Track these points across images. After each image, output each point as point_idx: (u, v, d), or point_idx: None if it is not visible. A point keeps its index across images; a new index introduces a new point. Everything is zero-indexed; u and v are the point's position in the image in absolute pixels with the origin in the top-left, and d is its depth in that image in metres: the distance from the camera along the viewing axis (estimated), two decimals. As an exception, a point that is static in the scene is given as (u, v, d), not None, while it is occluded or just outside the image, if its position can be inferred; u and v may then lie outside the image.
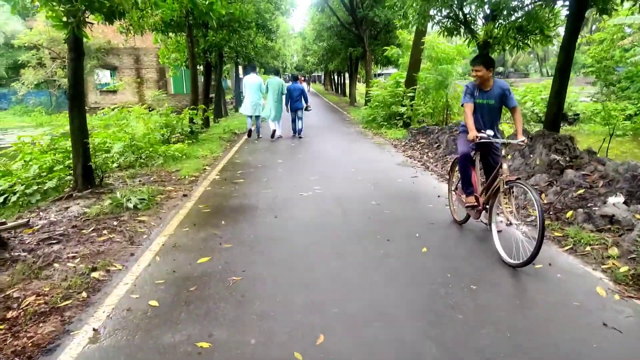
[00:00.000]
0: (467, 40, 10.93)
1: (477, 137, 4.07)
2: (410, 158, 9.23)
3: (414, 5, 10.53)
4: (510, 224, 3.86)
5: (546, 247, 3.99)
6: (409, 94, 14.16)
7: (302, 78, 58.05)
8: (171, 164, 8.71)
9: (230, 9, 13.63)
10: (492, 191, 4.15)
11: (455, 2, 9.61)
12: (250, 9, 16.22)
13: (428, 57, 13.87)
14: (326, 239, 4.54)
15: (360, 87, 35.32)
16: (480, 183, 4.46)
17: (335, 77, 49.49)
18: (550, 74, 62.81)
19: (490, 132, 4.09)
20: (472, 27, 10.58)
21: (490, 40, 9.50)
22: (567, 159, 6.09)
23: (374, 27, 24.06)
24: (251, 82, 12.27)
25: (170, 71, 21.13)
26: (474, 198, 4.35)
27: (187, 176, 7.63)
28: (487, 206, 4.31)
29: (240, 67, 34.17)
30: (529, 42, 10.17)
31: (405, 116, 13.67)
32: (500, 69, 61.45)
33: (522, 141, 4.00)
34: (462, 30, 10.74)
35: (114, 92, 29.01)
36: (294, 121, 12.87)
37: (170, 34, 15.03)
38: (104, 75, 28.72)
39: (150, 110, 12.29)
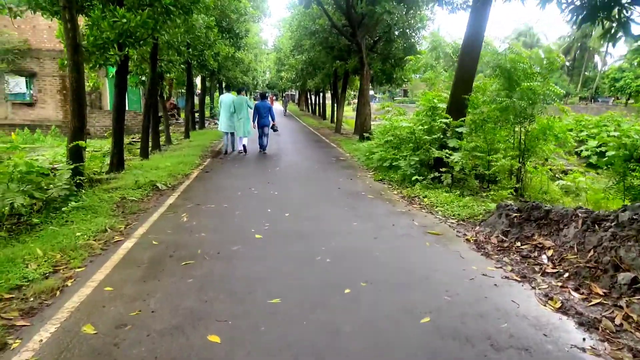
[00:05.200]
0: None
1: None
2: (580, 321, 3.35)
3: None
4: None
5: None
6: (457, 129, 8.45)
7: (273, 97, 52.46)
8: None
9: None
10: None
11: None
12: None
13: (495, 69, 8.21)
14: None
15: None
16: None
17: (312, 97, 43.91)
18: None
19: None
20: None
21: None
22: None
23: (371, 34, 18.56)
24: (226, 100, 12.84)
25: (90, 80, 14.85)
26: None
27: None
28: None
29: (198, 80, 28.18)
30: None
31: (457, 169, 7.88)
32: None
33: None
34: None
35: (31, 104, 22.35)
36: (260, 137, 13.32)
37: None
38: (16, 84, 21.98)
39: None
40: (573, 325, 3.30)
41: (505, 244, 5.04)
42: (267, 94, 14.51)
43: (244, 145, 13.04)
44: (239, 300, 3.61)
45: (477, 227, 5.74)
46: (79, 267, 4.31)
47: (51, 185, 6.13)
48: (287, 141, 17.04)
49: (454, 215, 6.36)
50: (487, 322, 3.30)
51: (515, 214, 5.33)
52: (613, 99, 61.45)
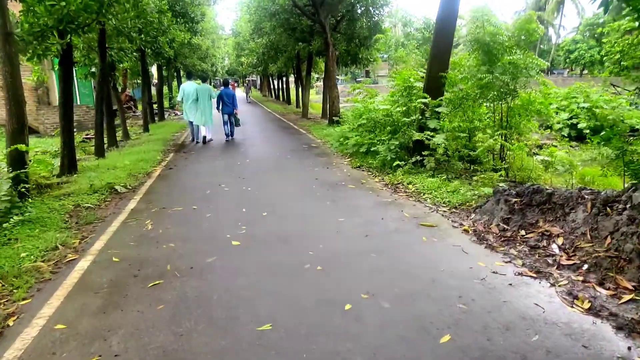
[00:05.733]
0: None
1: None
2: (617, 325, 2.94)
3: None
4: None
5: None
6: (436, 109, 7.99)
7: (234, 83, 51.08)
8: None
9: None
10: None
11: None
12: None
13: (474, 43, 7.77)
14: None
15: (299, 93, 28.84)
16: None
17: (275, 82, 42.82)
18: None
19: None
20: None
21: None
22: None
23: (333, 14, 17.84)
24: (188, 89, 12.44)
25: (33, 74, 13.55)
26: None
27: None
28: None
29: (154, 69, 26.84)
30: None
31: (440, 151, 7.43)
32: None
33: None
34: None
35: (-30, 104, 20.52)
36: (225, 124, 13.18)
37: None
38: (-49, 81, 20.10)
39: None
40: (611, 331, 2.88)
41: (508, 234, 4.63)
42: (229, 81, 14.01)
43: (204, 136, 12.74)
44: (221, 331, 3.02)
45: (473, 215, 5.32)
46: (23, 299, 3.59)
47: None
48: (254, 129, 16.28)
49: (444, 203, 5.92)
50: (515, 336, 2.84)
51: (515, 199, 4.92)
52: (568, 70, 63.09)
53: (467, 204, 5.74)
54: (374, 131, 9.69)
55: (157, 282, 3.79)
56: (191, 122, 12.78)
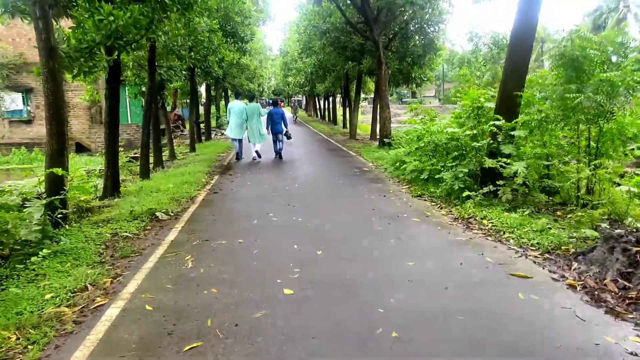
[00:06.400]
0: None
1: None
2: None
3: None
4: None
5: None
6: (510, 132, 7.03)
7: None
8: None
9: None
10: None
11: None
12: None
13: (559, 57, 6.78)
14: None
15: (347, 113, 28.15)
16: None
17: (321, 102, 42.56)
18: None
19: None
20: None
21: None
22: None
23: (386, 31, 17.18)
24: (235, 108, 12.88)
25: (86, 93, 13.62)
26: None
27: None
28: None
29: (202, 88, 27.04)
30: None
31: (517, 181, 6.42)
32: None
33: None
34: None
35: (29, 122, 21.28)
36: (275, 143, 13.40)
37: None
38: (12, 100, 20.85)
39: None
40: None
41: (633, 293, 3.62)
42: (278, 101, 14.38)
43: (257, 151, 13.05)
44: None
45: (575, 264, 4.33)
46: (37, 360, 2.97)
47: (18, 224, 4.84)
48: (301, 151, 15.73)
49: (532, 246, 4.95)
50: None
51: (637, 248, 3.91)
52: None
53: (564, 248, 4.76)
54: (435, 156, 8.83)
55: (195, 344, 3.09)
56: (234, 140, 13.11)
